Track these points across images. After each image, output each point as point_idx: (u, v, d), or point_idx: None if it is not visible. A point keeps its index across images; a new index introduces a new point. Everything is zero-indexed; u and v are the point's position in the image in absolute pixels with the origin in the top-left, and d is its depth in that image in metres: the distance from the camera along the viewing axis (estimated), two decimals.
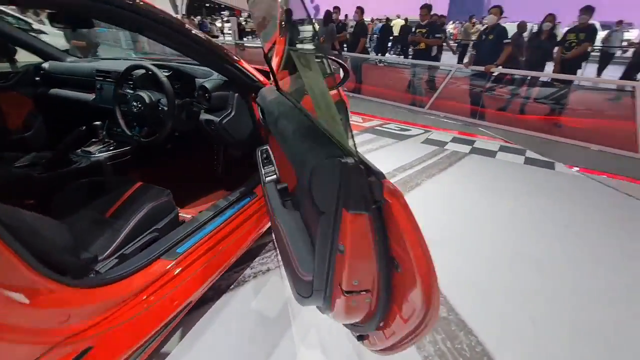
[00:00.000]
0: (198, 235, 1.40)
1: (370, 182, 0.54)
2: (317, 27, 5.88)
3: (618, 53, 8.71)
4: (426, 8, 5.25)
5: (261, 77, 1.54)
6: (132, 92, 1.69)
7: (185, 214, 1.85)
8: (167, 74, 1.66)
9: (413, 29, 5.87)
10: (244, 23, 13.41)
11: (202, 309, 1.54)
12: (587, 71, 7.72)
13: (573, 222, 2.33)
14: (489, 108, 5.10)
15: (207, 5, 21.97)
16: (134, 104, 1.60)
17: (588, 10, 4.45)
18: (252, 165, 2.24)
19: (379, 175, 0.52)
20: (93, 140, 1.87)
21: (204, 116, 1.63)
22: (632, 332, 1.48)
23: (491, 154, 3.51)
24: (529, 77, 5.14)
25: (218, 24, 18.64)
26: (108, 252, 1.22)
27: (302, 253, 0.86)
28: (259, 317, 1.52)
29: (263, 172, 1.43)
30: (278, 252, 1.22)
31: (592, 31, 4.54)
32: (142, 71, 1.67)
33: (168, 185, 1.61)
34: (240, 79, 1.52)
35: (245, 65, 1.53)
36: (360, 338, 0.89)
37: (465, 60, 6.02)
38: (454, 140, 3.90)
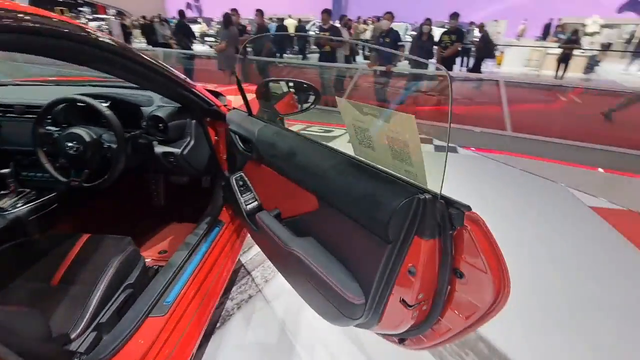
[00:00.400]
0: (181, 279, 1.29)
1: (450, 213, 0.63)
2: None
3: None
4: (326, 13, 5.56)
5: (213, 99, 1.47)
6: (57, 129, 1.40)
7: (146, 258, 1.64)
8: (105, 104, 1.43)
9: (317, 32, 6.13)
10: (130, 24, 11.36)
11: (196, 357, 1.42)
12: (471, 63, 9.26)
13: (474, 190, 2.89)
14: (392, 103, 5.75)
15: None
16: (68, 144, 1.33)
17: (455, 16, 5.41)
18: (197, 190, 2.09)
19: (465, 207, 0.62)
20: (1, 192, 1.49)
21: (160, 149, 1.47)
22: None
23: None
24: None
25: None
26: (82, 326, 1.04)
27: (344, 278, 0.90)
28: (260, 347, 1.48)
29: (242, 200, 1.38)
30: (289, 280, 1.21)
31: (460, 33, 5.53)
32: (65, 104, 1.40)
33: (110, 229, 1.39)
34: (197, 104, 1.42)
35: (199, 87, 1.44)
36: (402, 341, 0.98)
37: (369, 61, 6.61)
38: None
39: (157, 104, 1.57)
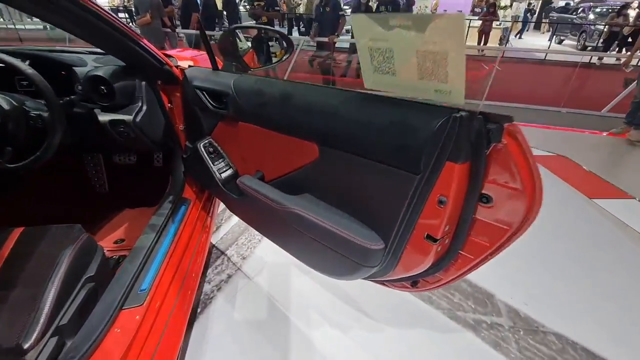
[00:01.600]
0: (153, 264, 1.13)
1: (489, 129, 0.60)
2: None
3: None
4: None
5: (166, 59, 1.26)
6: None
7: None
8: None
9: (252, 4, 5.76)
10: None
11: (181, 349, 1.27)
12: None
13: None
14: (336, 76, 5.71)
15: None
16: None
17: None
18: (148, 171, 1.85)
19: (506, 119, 0.58)
20: None
21: (106, 116, 1.23)
22: None
23: None
24: None
25: None
26: (36, 333, 0.85)
27: (356, 227, 0.84)
28: (251, 325, 1.38)
29: (215, 169, 1.24)
30: (286, 244, 1.12)
31: (396, 4, 5.63)
32: None
33: (48, 222, 1.14)
34: (148, 62, 1.21)
35: (149, 44, 1.22)
36: (415, 284, 0.97)
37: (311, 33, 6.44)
38: None
39: (92, 65, 1.30)
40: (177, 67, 1.32)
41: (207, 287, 1.54)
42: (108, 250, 1.45)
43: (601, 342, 1.32)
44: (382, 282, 1.04)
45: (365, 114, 0.72)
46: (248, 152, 1.18)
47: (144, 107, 1.28)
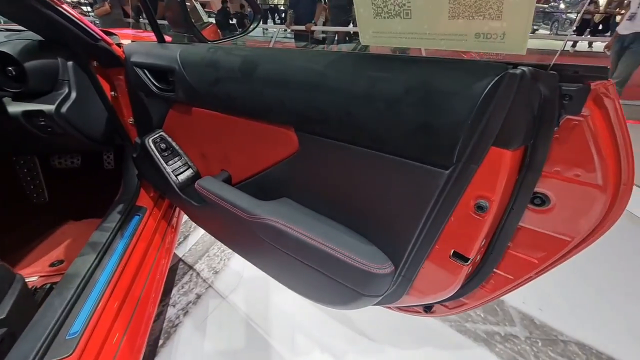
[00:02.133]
0: (91, 295, 0.87)
1: (564, 93, 0.38)
2: None
3: None
4: None
5: (101, 34, 0.98)
6: None
7: (31, 276, 1.13)
8: None
9: None
10: None
11: None
12: None
13: None
14: None
15: None
16: None
17: None
18: (96, 174, 1.56)
19: (599, 71, 0.36)
20: None
21: (18, 106, 0.95)
22: None
23: None
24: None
25: None
26: None
27: (355, 243, 0.62)
28: (226, 355, 1.13)
29: (169, 170, 0.98)
30: (260, 262, 0.88)
31: None
32: None
33: None
34: (75, 36, 0.93)
35: (74, 12, 0.94)
36: (428, 309, 0.75)
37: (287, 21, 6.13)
38: None
39: (11, 39, 1.01)
40: (119, 45, 1.04)
41: (171, 312, 1.28)
42: (41, 277, 1.17)
43: (630, 350, 1.16)
44: (386, 307, 0.82)
45: (365, 82, 0.49)
46: (209, 147, 0.92)
47: (73, 94, 1.00)
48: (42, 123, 0.97)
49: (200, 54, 0.75)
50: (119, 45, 1.05)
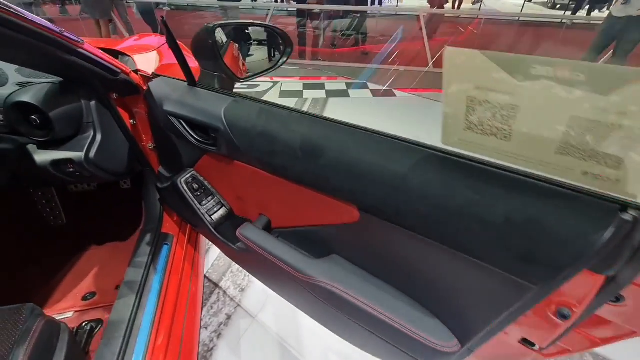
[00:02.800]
0: (139, 343, 0.89)
1: None
2: None
3: None
4: None
5: (118, 64, 0.93)
6: None
7: (66, 312, 1.15)
8: None
9: None
10: None
11: None
12: None
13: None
14: (313, 47, 5.26)
15: None
16: None
17: None
18: (113, 196, 1.54)
19: None
20: None
21: (46, 155, 0.91)
22: None
23: (344, 93, 3.72)
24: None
25: None
26: None
27: (419, 316, 0.63)
28: None
29: (202, 211, 0.97)
30: (326, 315, 0.89)
31: None
32: None
33: None
34: (96, 74, 0.88)
35: (94, 49, 0.88)
36: None
37: None
38: (307, 87, 3.88)
39: (13, 81, 0.95)
40: (135, 72, 0.99)
41: (204, 335, 1.31)
42: (76, 312, 1.18)
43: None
44: None
45: (459, 198, 0.48)
46: (247, 193, 0.91)
47: (98, 136, 0.96)
48: (71, 170, 0.94)
49: (250, 120, 0.72)
50: (136, 72, 1.00)
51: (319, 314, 0.89)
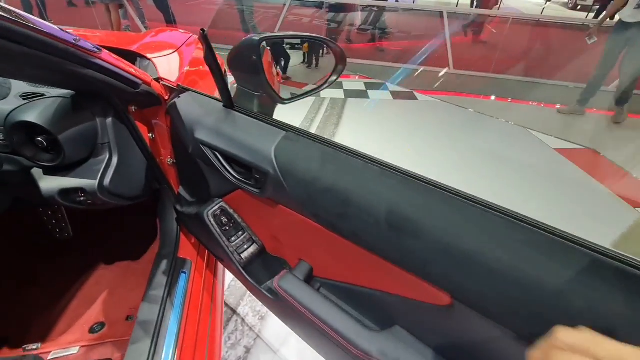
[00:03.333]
0: None
1: None
2: None
3: None
4: None
5: (134, 71, 0.78)
6: None
7: (72, 347, 1.03)
8: None
9: None
10: None
11: None
12: None
13: (440, 139, 2.70)
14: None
15: None
16: None
17: None
18: (117, 208, 1.41)
19: None
20: None
21: (52, 182, 0.77)
22: None
23: (363, 94, 3.54)
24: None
25: None
26: None
27: None
28: None
29: (231, 249, 0.83)
30: None
31: None
32: None
33: None
34: (113, 88, 0.74)
35: (112, 58, 0.73)
36: None
37: None
38: None
39: (17, 92, 0.81)
40: (157, 80, 0.85)
41: None
42: (82, 347, 1.05)
43: None
44: None
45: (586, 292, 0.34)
46: (290, 237, 0.76)
47: (114, 159, 0.82)
48: (82, 199, 0.80)
49: (312, 168, 0.57)
50: (157, 80, 0.86)
51: None
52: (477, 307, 0.45)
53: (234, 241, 0.83)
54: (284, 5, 4.81)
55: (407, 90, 3.73)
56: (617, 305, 0.33)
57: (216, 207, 0.83)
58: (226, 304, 1.41)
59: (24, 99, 0.78)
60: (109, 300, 1.19)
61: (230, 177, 0.71)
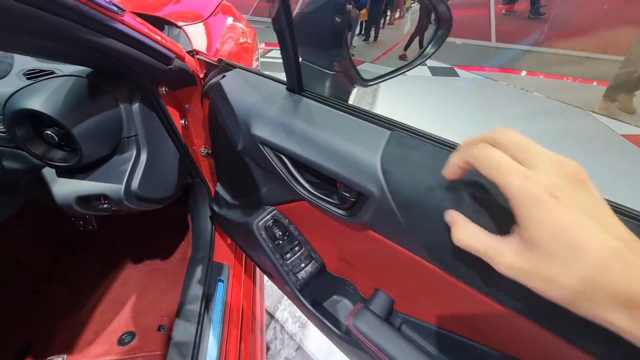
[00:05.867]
0: None
1: None
2: None
3: None
4: None
5: (169, 44, 0.59)
6: None
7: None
8: None
9: None
10: None
11: None
12: None
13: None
14: None
15: None
16: None
17: None
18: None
19: None
20: None
21: (65, 187, 0.62)
22: None
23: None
24: None
25: None
26: None
27: None
28: None
29: (285, 269, 0.66)
30: None
31: None
32: None
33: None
34: (143, 63, 0.55)
35: (139, 24, 0.54)
36: None
37: None
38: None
39: (20, 68, 0.63)
40: (191, 53, 0.67)
41: None
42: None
43: None
44: None
45: None
46: (366, 266, 0.58)
47: (143, 157, 0.66)
48: (105, 206, 0.64)
49: (439, 186, 0.37)
50: (191, 53, 0.68)
51: None
52: None
53: (289, 258, 0.66)
54: None
55: (444, 65, 3.39)
56: None
57: (268, 217, 0.66)
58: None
59: (28, 78, 0.61)
60: (138, 304, 1.07)
61: (301, 189, 0.52)
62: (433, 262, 0.39)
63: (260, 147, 0.53)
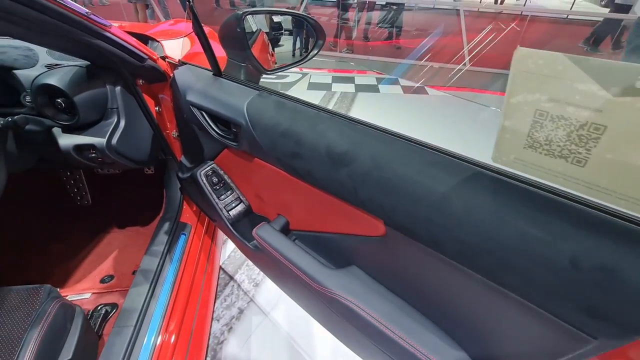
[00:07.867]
0: (149, 332, 0.87)
1: None
2: None
3: None
4: None
5: (145, 49, 0.90)
6: None
7: (84, 293, 1.17)
8: None
9: None
10: None
11: None
12: None
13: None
14: (344, 39, 5.14)
15: None
16: None
17: None
18: (136, 180, 1.55)
19: None
20: None
21: (68, 140, 0.90)
22: None
23: (374, 88, 3.61)
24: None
25: None
26: None
27: (451, 353, 0.57)
28: None
29: (220, 205, 0.94)
30: (341, 330, 0.83)
31: None
32: None
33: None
34: (122, 60, 0.86)
35: (121, 33, 0.85)
36: None
37: None
38: (335, 80, 3.79)
39: (43, 63, 0.95)
40: (163, 58, 0.97)
41: (215, 328, 1.30)
42: (93, 294, 1.20)
43: None
44: None
45: (505, 216, 0.41)
46: (267, 192, 0.86)
47: (122, 123, 0.95)
48: (93, 155, 0.93)
49: (274, 117, 0.67)
50: (163, 58, 0.98)
51: (330, 324, 0.84)
52: (404, 231, 0.53)
53: (223, 199, 0.94)
54: (301, 3, 4.94)
55: (415, 84, 3.75)
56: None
57: (207, 168, 0.95)
58: (224, 271, 1.53)
59: (48, 69, 0.92)
60: (119, 257, 1.33)
61: (215, 134, 0.82)
62: (286, 170, 0.68)
63: (192, 108, 0.83)
